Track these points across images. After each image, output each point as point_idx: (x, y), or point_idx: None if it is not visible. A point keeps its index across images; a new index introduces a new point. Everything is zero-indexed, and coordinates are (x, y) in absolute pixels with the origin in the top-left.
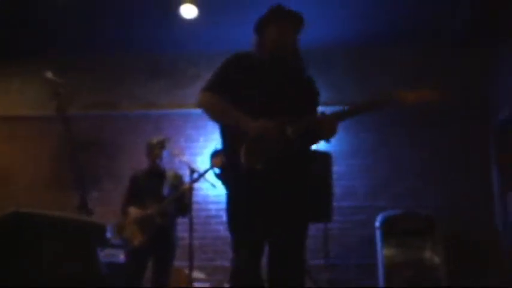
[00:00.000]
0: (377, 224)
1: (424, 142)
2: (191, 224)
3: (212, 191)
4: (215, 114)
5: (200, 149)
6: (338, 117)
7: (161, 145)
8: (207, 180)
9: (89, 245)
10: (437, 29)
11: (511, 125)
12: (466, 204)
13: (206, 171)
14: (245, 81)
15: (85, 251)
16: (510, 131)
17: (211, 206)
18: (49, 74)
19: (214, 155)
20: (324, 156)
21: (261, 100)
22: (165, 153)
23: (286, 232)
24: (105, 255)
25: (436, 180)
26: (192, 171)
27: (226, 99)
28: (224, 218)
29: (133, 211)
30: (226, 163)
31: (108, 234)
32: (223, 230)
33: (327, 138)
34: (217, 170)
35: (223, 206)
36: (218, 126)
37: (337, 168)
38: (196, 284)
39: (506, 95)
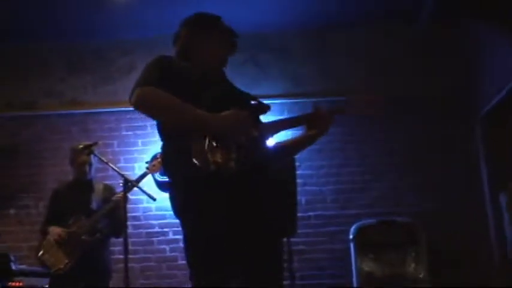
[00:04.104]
0: (350, 235)
1: (399, 137)
2: (126, 243)
3: (153, 203)
4: (163, 111)
5: (139, 155)
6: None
7: (88, 151)
8: (144, 192)
9: None
10: (407, 9)
11: (499, 116)
12: (452, 209)
13: (142, 177)
14: (180, 90)
15: None
16: (498, 122)
17: (154, 222)
18: None
19: (153, 159)
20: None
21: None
22: (93, 161)
23: (266, 251)
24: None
25: (416, 182)
26: (126, 181)
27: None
28: (170, 235)
29: (55, 231)
30: (182, 166)
31: (12, 265)
32: (168, 250)
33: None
34: (159, 177)
35: (168, 221)
36: (159, 124)
37: (301, 172)
38: None
39: (491, 81)
